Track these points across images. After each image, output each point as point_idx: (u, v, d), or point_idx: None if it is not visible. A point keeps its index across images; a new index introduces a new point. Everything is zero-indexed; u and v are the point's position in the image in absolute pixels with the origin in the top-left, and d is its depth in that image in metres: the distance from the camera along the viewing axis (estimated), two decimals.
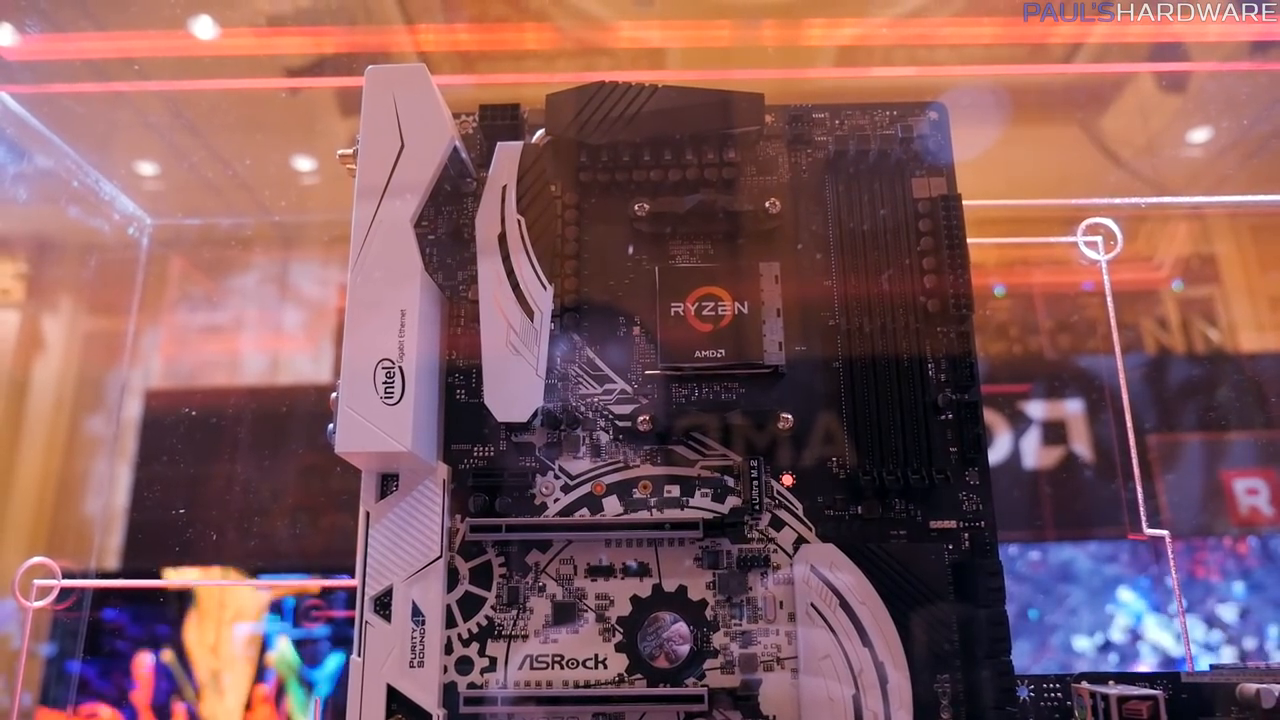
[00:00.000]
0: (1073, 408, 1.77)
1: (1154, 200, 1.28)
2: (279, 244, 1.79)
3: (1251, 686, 0.52)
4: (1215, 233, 1.74)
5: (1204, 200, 1.44)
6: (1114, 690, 0.50)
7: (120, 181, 1.34)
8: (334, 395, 0.52)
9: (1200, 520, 1.67)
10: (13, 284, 1.59)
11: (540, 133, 0.59)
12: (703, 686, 0.52)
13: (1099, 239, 0.66)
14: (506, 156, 0.56)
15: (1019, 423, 1.79)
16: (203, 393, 1.74)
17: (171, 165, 1.43)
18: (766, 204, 0.58)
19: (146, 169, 1.45)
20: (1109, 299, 0.66)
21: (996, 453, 1.77)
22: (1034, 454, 1.72)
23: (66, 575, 0.91)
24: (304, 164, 1.54)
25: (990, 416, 1.79)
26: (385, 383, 0.51)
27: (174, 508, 1.40)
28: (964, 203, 0.58)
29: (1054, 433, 1.69)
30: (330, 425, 0.52)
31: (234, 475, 1.49)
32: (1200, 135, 1.41)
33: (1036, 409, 1.73)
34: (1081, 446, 1.75)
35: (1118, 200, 0.75)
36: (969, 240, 0.58)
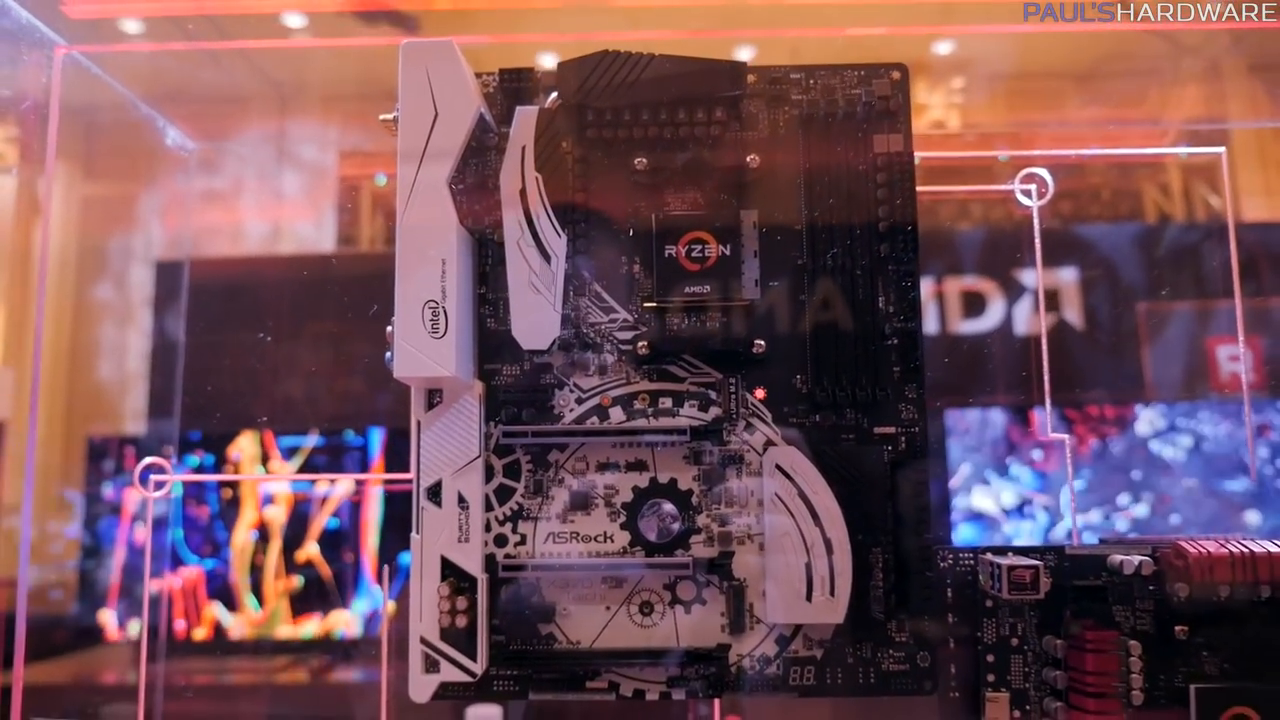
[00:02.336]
0: (1067, 276, 1.92)
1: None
2: (275, 105, 1.88)
3: (1117, 557, 0.71)
4: (1231, 95, 1.82)
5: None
6: (1006, 560, 0.70)
7: (106, 43, 1.39)
8: (389, 329, 0.69)
9: (1181, 386, 1.86)
10: (5, 148, 1.69)
11: (554, 95, 0.73)
12: (688, 556, 0.72)
13: (1033, 187, 0.81)
14: (524, 120, 0.71)
15: (1012, 290, 1.95)
16: (211, 262, 1.88)
17: (157, 23, 1.47)
18: (748, 159, 0.74)
19: (131, 27, 1.51)
20: (1038, 245, 0.82)
21: (990, 319, 1.95)
22: (1025, 321, 1.89)
23: (99, 439, 1.10)
24: (294, 20, 1.60)
25: (983, 284, 1.95)
26: (432, 319, 0.68)
27: (192, 374, 1.57)
28: (918, 155, 0.74)
29: (1046, 300, 1.85)
30: (388, 354, 0.69)
31: (253, 342, 1.65)
32: None
33: (1030, 276, 1.88)
34: (1073, 314, 1.92)
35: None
36: (922, 188, 0.74)
